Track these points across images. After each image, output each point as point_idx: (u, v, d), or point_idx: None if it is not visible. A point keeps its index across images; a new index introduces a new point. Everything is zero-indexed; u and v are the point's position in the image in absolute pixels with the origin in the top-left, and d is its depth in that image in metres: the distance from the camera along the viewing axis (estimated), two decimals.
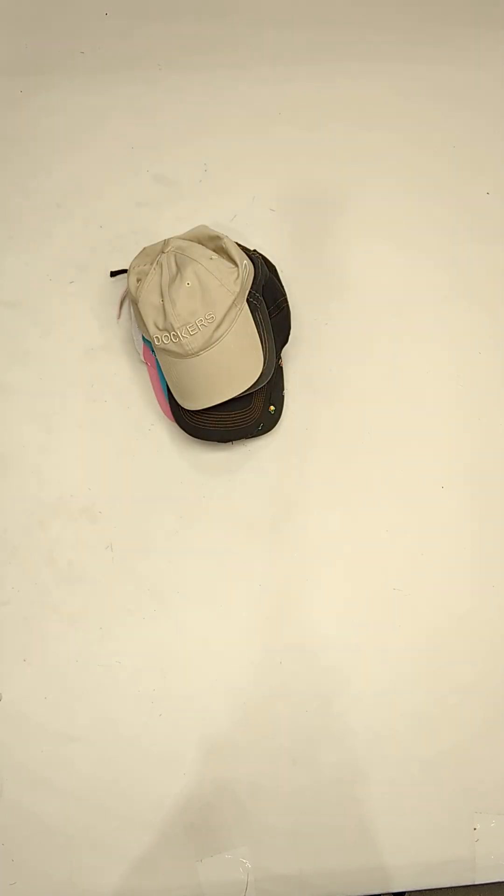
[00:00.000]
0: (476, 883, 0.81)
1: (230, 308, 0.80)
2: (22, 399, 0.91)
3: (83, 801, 0.81)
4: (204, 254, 0.82)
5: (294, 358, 0.92)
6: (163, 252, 0.84)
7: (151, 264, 0.84)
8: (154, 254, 0.85)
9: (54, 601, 0.86)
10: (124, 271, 0.93)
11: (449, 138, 1.00)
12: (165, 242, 0.85)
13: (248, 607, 0.86)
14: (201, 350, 0.80)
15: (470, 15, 1.04)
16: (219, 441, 0.87)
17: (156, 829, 0.81)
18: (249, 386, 0.82)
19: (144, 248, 0.87)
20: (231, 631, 0.85)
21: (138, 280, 0.85)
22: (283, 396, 0.90)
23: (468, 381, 0.92)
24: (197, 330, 0.79)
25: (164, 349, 0.82)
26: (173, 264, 0.82)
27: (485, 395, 0.91)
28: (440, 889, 0.81)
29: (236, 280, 0.81)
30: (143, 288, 0.83)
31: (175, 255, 0.83)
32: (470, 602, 0.86)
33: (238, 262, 0.82)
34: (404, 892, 0.82)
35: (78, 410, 0.91)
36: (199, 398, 0.82)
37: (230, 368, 0.81)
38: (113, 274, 0.94)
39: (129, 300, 0.90)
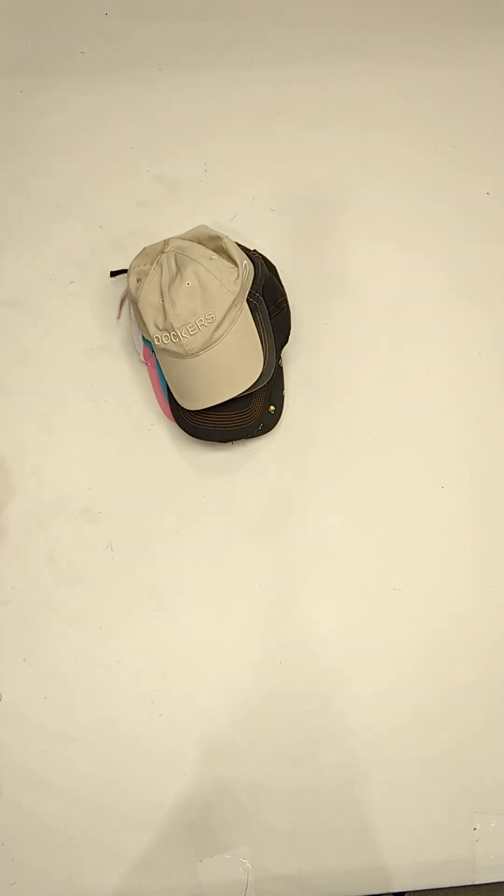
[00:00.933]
0: (476, 883, 0.81)
1: (230, 308, 0.80)
2: (22, 399, 0.91)
3: (83, 801, 0.81)
4: (204, 254, 0.82)
5: (294, 358, 0.92)
6: (163, 252, 0.84)
7: (151, 264, 0.84)
8: (154, 254, 0.85)
9: (54, 601, 0.86)
10: (124, 271, 0.93)
11: (449, 138, 1.00)
12: (165, 242, 0.85)
13: (248, 607, 0.86)
14: (201, 350, 0.80)
15: (470, 15, 1.04)
16: (219, 441, 0.87)
17: (156, 829, 0.81)
18: (249, 386, 0.82)
19: (144, 248, 0.87)
20: (231, 631, 0.85)
21: (138, 280, 0.85)
22: (283, 396, 0.90)
23: (468, 381, 0.92)
24: (197, 330, 0.79)
25: (164, 349, 0.82)
26: (173, 264, 0.82)
27: (485, 395, 0.91)
28: (440, 889, 0.81)
29: (236, 280, 0.81)
30: (143, 288, 0.83)
31: (175, 255, 0.83)
32: (470, 602, 0.86)
33: (238, 262, 0.82)
34: (404, 892, 0.82)
35: (78, 410, 0.91)
36: (200, 398, 0.82)
37: (230, 368, 0.81)
38: (113, 274, 0.94)
39: (129, 300, 0.90)
